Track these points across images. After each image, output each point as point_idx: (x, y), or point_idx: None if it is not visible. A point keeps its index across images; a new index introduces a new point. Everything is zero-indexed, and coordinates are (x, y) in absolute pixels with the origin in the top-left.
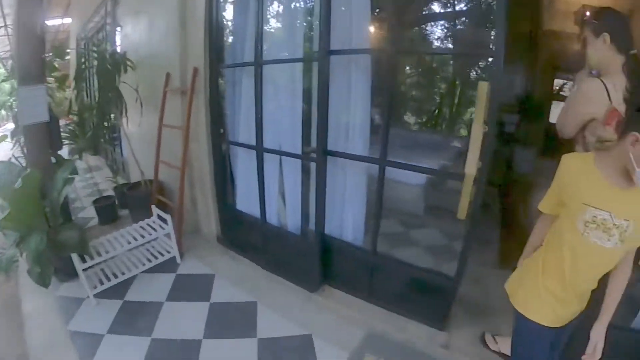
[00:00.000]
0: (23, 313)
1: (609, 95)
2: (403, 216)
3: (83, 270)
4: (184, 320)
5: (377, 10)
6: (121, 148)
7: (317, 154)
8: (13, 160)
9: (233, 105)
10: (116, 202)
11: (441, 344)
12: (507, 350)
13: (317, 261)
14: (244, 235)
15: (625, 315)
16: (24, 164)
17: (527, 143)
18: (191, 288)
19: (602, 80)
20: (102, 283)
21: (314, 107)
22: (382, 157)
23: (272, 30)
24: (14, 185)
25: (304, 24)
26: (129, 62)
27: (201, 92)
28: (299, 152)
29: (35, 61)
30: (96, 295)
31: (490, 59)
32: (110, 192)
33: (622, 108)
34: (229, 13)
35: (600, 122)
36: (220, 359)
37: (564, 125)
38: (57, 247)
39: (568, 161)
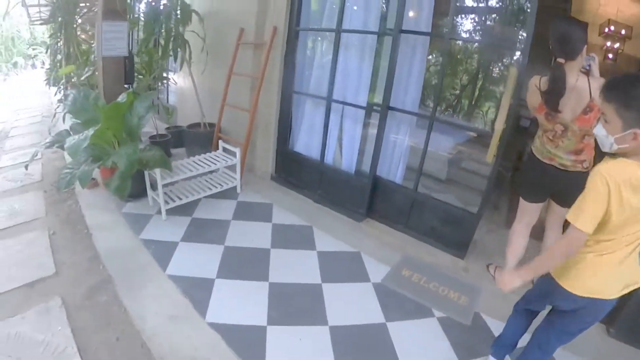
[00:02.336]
0: (89, 226)
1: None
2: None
3: (151, 189)
4: (251, 235)
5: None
6: (167, 95)
7: (381, 107)
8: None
9: (305, 62)
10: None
11: (462, 267)
12: (498, 276)
13: (367, 197)
14: (297, 174)
15: None
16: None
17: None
18: (253, 212)
19: (540, 77)
20: (168, 203)
21: (381, 71)
22: (432, 114)
23: (351, 4)
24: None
25: (380, 3)
26: (194, 13)
27: (278, 48)
28: (364, 104)
29: None
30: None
31: (518, 52)
32: (162, 132)
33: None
34: None
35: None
36: (287, 263)
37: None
38: (142, 163)
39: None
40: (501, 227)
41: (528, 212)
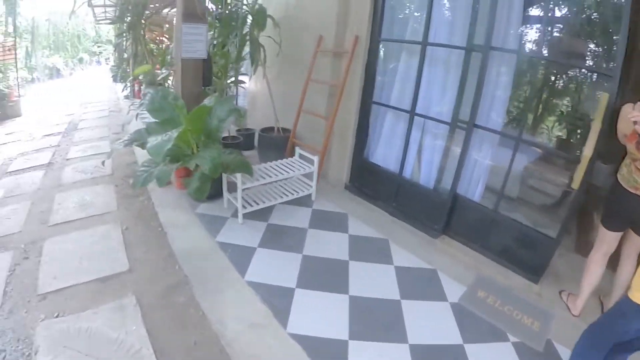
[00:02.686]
0: (162, 224)
1: None
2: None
3: (227, 192)
4: (328, 245)
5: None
6: (236, 98)
7: (467, 125)
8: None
9: (386, 73)
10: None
11: (536, 292)
12: (571, 304)
13: (445, 213)
14: (372, 184)
15: None
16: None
17: (608, 159)
18: (329, 221)
19: (633, 104)
20: (245, 207)
21: (467, 88)
22: (519, 135)
23: (439, 17)
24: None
25: (468, 18)
26: (269, 19)
27: (359, 58)
28: (449, 120)
29: (199, 2)
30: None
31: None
32: (234, 134)
33: None
34: None
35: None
36: (366, 276)
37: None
38: (224, 166)
39: None
40: (571, 251)
41: (608, 241)
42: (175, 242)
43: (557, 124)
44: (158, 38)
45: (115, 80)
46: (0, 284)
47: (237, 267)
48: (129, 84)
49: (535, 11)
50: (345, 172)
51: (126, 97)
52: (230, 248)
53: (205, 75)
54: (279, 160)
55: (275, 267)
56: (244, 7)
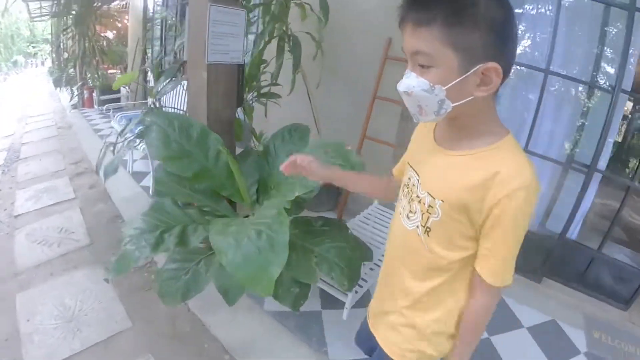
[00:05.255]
0: (226, 347)
1: None
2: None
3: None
4: None
5: None
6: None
7: (588, 169)
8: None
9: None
10: None
11: (630, 320)
12: None
13: (549, 256)
14: None
15: None
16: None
17: None
18: None
19: None
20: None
21: (586, 128)
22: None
23: (562, 43)
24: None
25: (596, 51)
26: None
27: None
28: (562, 160)
29: None
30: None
31: None
32: None
33: None
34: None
35: None
36: None
37: None
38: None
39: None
40: None
41: None
42: None
43: None
44: (103, 33)
45: (57, 85)
46: None
47: None
48: (76, 91)
49: None
50: None
51: (74, 106)
52: None
53: (239, 90)
54: (362, 214)
55: None
56: None
